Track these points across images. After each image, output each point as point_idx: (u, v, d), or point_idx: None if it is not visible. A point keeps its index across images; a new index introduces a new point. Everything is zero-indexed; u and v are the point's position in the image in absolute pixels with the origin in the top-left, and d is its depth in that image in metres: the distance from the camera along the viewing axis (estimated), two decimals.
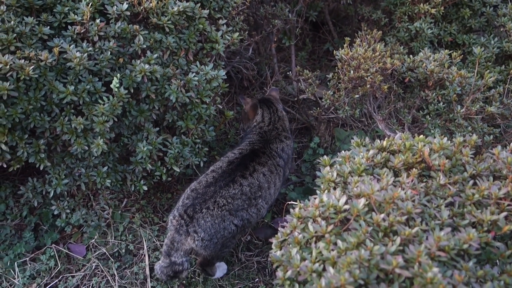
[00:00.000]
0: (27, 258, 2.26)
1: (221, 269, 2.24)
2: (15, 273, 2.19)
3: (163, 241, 2.37)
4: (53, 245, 2.31)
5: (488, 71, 2.35)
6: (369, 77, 2.27)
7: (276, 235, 1.47)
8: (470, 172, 1.49)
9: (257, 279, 2.28)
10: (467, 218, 1.33)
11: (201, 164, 2.29)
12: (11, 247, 2.28)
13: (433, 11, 2.62)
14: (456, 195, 1.41)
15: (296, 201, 1.52)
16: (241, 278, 2.28)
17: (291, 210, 1.47)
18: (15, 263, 2.22)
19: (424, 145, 1.53)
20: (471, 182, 1.44)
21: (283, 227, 1.47)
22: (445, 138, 1.54)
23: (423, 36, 2.67)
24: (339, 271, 1.17)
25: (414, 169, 1.47)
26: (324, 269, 1.24)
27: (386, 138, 1.66)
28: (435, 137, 1.58)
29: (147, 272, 2.23)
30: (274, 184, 2.17)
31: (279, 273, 1.32)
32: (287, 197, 2.59)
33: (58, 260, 2.26)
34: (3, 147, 1.86)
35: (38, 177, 2.25)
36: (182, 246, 1.96)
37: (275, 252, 1.41)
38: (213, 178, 2.03)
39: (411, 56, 2.38)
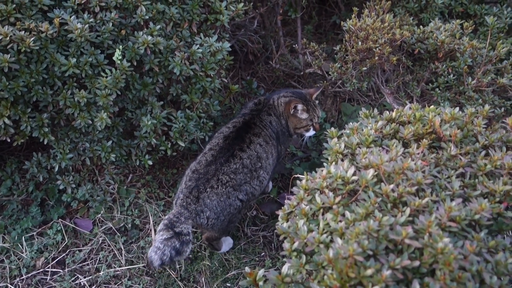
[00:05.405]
0: (35, 233, 2.27)
1: (227, 243, 2.24)
2: (23, 247, 2.20)
3: None
4: (59, 220, 2.32)
5: (500, 42, 2.28)
6: (377, 49, 2.21)
7: (282, 207, 1.45)
8: (482, 142, 1.45)
9: (263, 253, 2.28)
10: (478, 189, 1.30)
11: (206, 139, 2.26)
12: (18, 222, 2.29)
13: None
14: (468, 165, 1.38)
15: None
16: (247, 252, 2.28)
17: (297, 182, 1.44)
18: (23, 237, 2.23)
19: (435, 116, 1.49)
20: (483, 152, 1.41)
21: (289, 199, 1.45)
22: (457, 108, 1.50)
23: (434, 6, 2.59)
24: (347, 242, 1.15)
25: (424, 140, 1.44)
26: (331, 241, 1.22)
27: (395, 109, 1.62)
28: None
29: None
30: (271, 154, 2.16)
31: (286, 245, 1.30)
32: (293, 172, 2.57)
33: (65, 235, 2.27)
34: (6, 121, 1.84)
35: (42, 152, 2.23)
36: (189, 220, 1.92)
37: (281, 224, 1.39)
38: (212, 156, 2.01)
39: (421, 26, 2.31)
